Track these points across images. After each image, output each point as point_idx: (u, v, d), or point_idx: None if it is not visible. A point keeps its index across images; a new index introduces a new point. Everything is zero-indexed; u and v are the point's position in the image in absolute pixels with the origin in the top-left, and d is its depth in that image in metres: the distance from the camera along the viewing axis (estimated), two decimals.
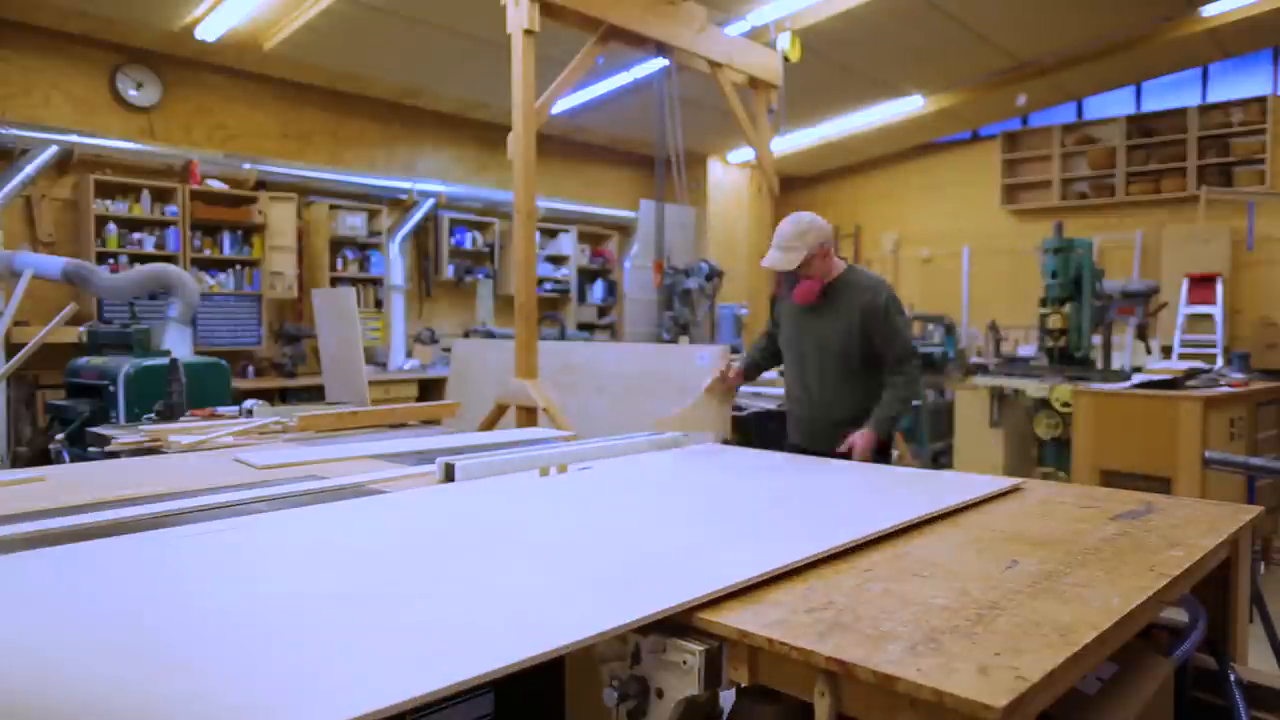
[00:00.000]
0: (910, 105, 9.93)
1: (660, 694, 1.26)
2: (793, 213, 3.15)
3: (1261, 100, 8.84)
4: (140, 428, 3.23)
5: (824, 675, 1.12)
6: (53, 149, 6.34)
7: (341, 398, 5.03)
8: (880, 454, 3.06)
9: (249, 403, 3.71)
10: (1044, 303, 5.78)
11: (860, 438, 2.95)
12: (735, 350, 6.54)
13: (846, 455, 2.91)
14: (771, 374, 4.14)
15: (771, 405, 4.90)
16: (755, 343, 3.56)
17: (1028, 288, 8.77)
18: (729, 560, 1.44)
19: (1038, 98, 9.85)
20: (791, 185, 11.75)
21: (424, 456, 2.56)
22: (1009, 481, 2.19)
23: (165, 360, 4.07)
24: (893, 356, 3.07)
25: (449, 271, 8.86)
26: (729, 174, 11.50)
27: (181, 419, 3.55)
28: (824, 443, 3.08)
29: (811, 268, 3.07)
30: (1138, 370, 5.79)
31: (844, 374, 3.13)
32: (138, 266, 5.67)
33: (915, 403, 3.13)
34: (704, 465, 2.55)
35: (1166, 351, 8.29)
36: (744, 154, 10.90)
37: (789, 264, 3.01)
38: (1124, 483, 4.13)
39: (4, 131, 6.13)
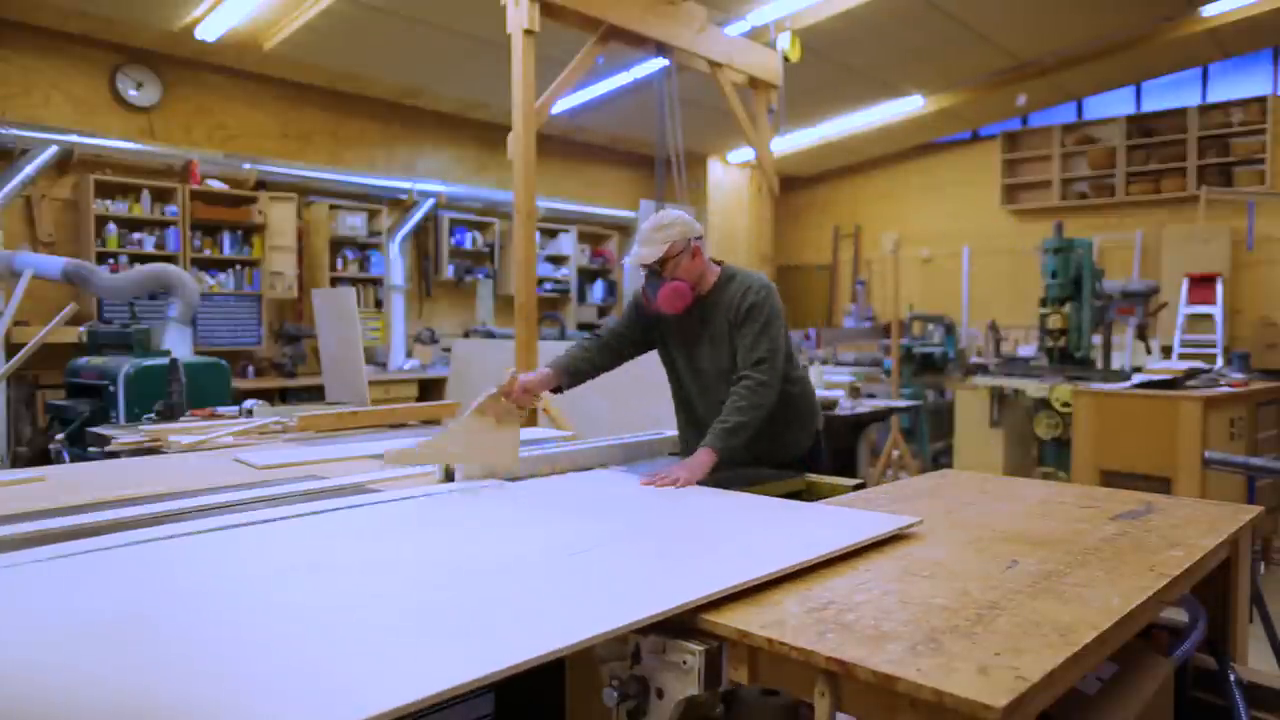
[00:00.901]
0: (910, 105, 9.93)
1: (660, 694, 1.26)
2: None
3: (1261, 100, 8.84)
4: (140, 428, 3.23)
5: (824, 675, 1.12)
6: (53, 149, 6.34)
7: (341, 398, 5.03)
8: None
9: (249, 403, 3.71)
10: (1044, 303, 5.78)
11: (682, 468, 2.31)
12: None
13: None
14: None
15: None
16: (582, 343, 2.85)
17: (1028, 288, 8.78)
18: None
19: (1038, 98, 9.85)
20: (791, 185, 11.76)
21: None
22: (895, 524, 1.74)
23: (165, 360, 4.06)
24: (743, 360, 2.55)
25: (449, 271, 8.86)
26: (729, 174, 11.50)
27: (181, 419, 3.55)
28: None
29: (678, 268, 2.57)
30: (1138, 370, 5.80)
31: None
32: (138, 266, 5.67)
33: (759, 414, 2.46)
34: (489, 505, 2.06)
35: (1166, 351, 8.29)
36: (744, 154, 10.90)
37: (650, 257, 2.55)
38: (1124, 483, 4.13)
39: (4, 131, 6.13)
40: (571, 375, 2.73)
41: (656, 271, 2.58)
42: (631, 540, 1.69)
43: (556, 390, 2.73)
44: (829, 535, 1.63)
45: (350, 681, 0.98)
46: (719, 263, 2.73)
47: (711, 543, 1.67)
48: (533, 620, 1.20)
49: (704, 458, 2.33)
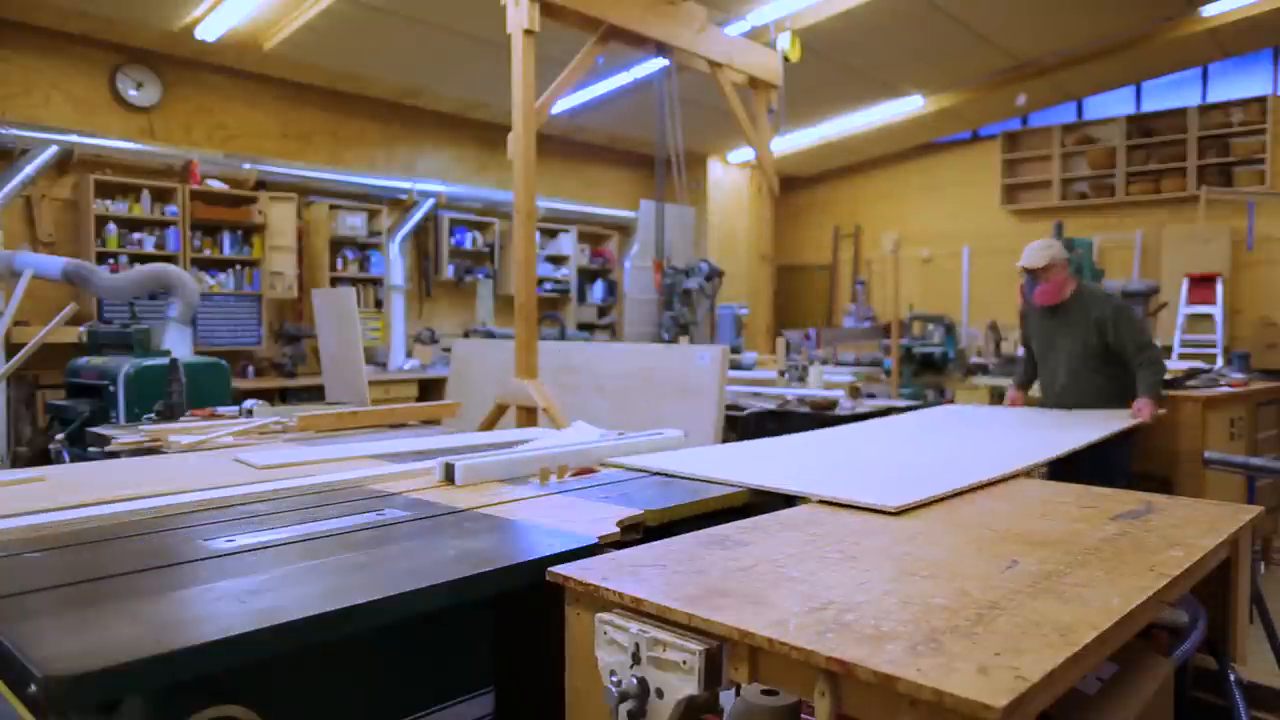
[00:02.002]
0: (910, 105, 9.94)
1: (660, 694, 1.26)
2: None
3: (1261, 100, 8.84)
4: (140, 428, 3.23)
5: (824, 675, 1.12)
6: (53, 149, 6.35)
7: (341, 398, 5.03)
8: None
9: (249, 403, 3.71)
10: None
11: (1146, 410, 3.73)
12: (735, 350, 6.55)
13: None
14: (763, 373, 4.35)
15: (770, 405, 4.90)
16: (1025, 358, 4.48)
17: None
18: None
19: (1038, 98, 9.85)
20: (791, 185, 11.76)
21: (424, 456, 2.56)
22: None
23: (165, 360, 4.07)
24: (1135, 346, 3.92)
25: (449, 271, 8.86)
26: (729, 174, 11.50)
27: (181, 419, 3.55)
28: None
29: (1051, 274, 3.99)
30: None
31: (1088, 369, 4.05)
32: (138, 266, 5.67)
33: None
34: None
35: (1166, 351, 8.29)
36: (744, 154, 10.90)
37: (1036, 262, 3.97)
38: (1124, 483, 4.13)
39: (4, 131, 6.13)
40: (1028, 386, 4.47)
41: (1036, 275, 4.02)
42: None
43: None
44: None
45: None
46: (1076, 278, 4.20)
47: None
48: None
49: (1149, 404, 3.76)
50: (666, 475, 2.36)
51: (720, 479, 2.20)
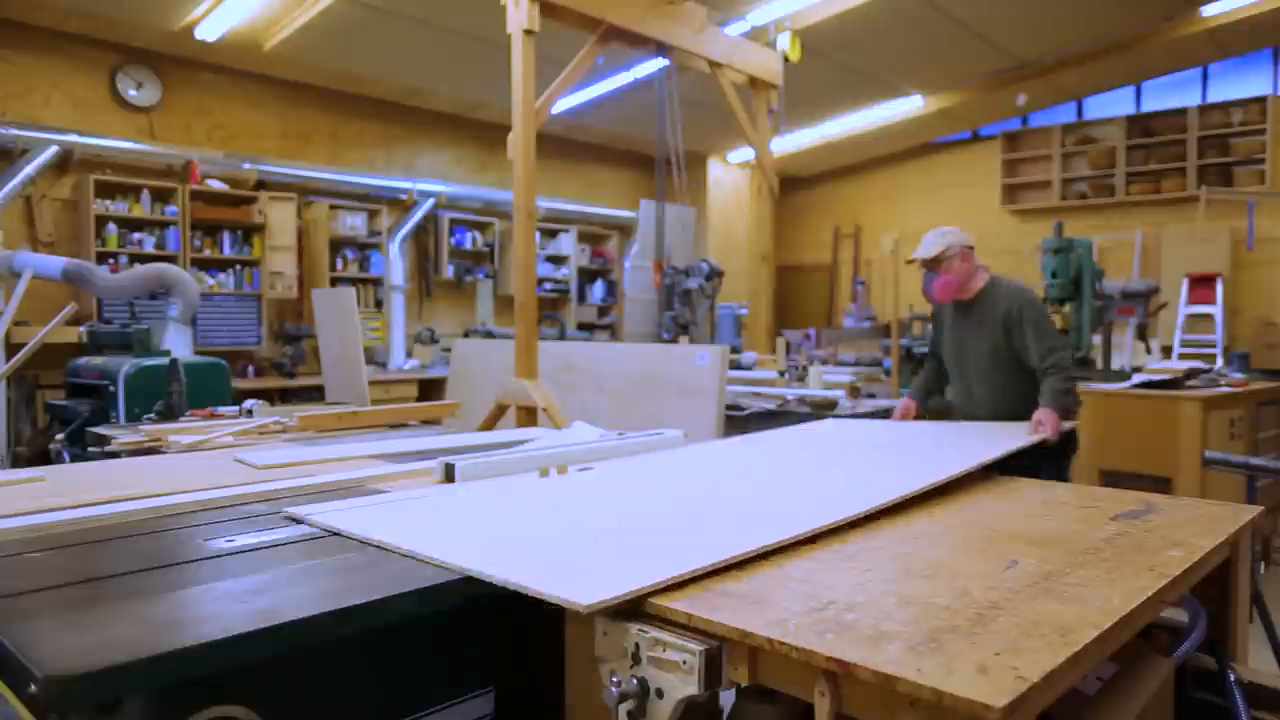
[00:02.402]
0: (910, 105, 9.93)
1: (660, 694, 1.26)
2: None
3: (1261, 100, 8.84)
4: (140, 428, 3.23)
5: (824, 675, 1.12)
6: (53, 149, 6.34)
7: (341, 398, 5.03)
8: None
9: (249, 403, 3.71)
10: (1044, 303, 5.77)
11: (1048, 426, 3.12)
12: (735, 350, 6.55)
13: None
14: (763, 373, 4.28)
15: (770, 405, 4.90)
16: (927, 366, 3.98)
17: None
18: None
19: (1038, 98, 9.84)
20: (791, 185, 11.75)
21: (424, 456, 2.56)
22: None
23: (165, 360, 4.06)
24: (1040, 351, 3.35)
25: (449, 271, 8.86)
26: (729, 174, 11.49)
27: (181, 419, 3.55)
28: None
29: (950, 266, 3.48)
30: (1138, 370, 5.79)
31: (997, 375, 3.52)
32: (138, 266, 5.67)
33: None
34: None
35: (1166, 351, 8.28)
36: (744, 154, 10.90)
37: (926, 253, 3.48)
38: (1124, 483, 4.13)
39: (4, 131, 6.13)
40: (925, 398, 3.88)
41: (933, 268, 3.49)
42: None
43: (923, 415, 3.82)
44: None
45: None
46: (986, 269, 3.58)
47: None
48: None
49: (1050, 415, 3.13)
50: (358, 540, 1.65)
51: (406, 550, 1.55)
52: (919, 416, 3.79)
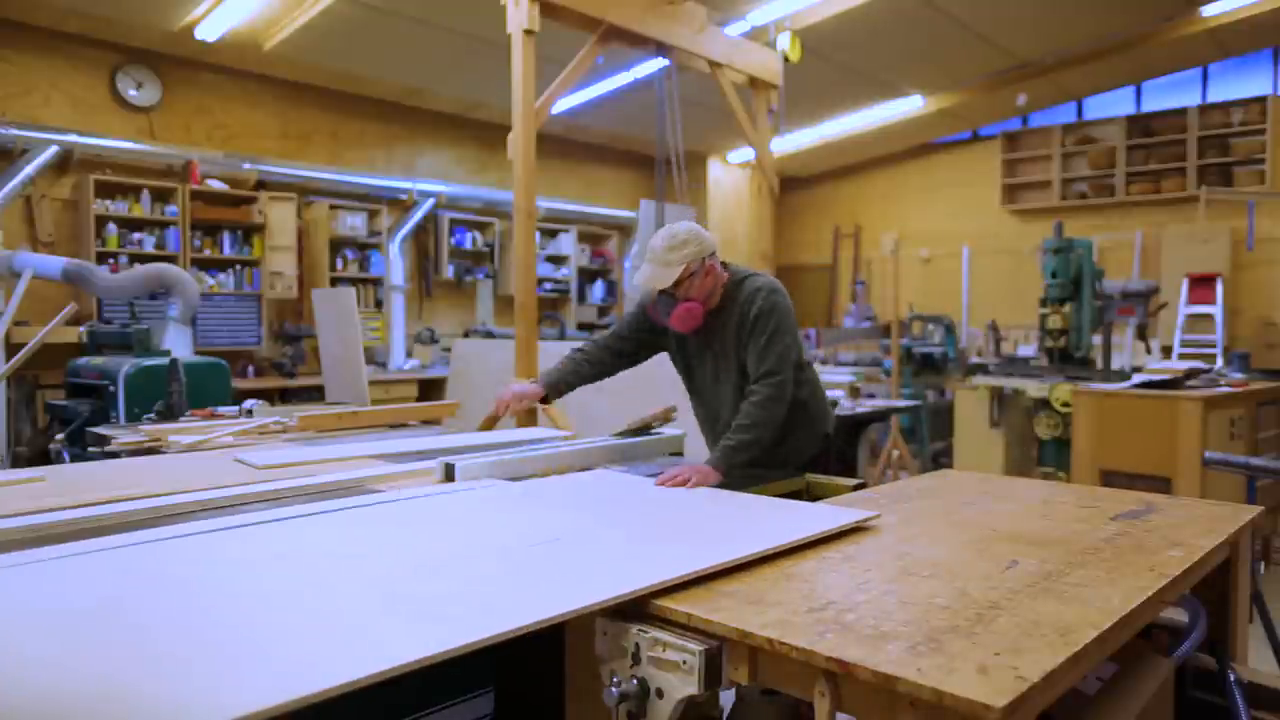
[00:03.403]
0: (910, 105, 9.93)
1: (660, 694, 1.26)
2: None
3: (1261, 100, 8.84)
4: (140, 428, 3.23)
5: (824, 675, 1.12)
6: (53, 149, 6.34)
7: (341, 398, 5.03)
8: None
9: (249, 403, 3.71)
10: (1044, 303, 5.78)
11: (693, 470, 2.23)
12: None
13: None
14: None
15: None
16: (574, 354, 2.88)
17: (1028, 288, 8.78)
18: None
19: (1038, 98, 9.85)
20: (791, 185, 11.76)
21: (424, 456, 2.56)
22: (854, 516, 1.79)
23: (165, 360, 4.06)
24: (753, 371, 2.54)
25: (449, 271, 8.86)
26: (729, 174, 11.50)
27: (181, 419, 3.55)
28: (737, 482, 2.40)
29: (691, 287, 2.53)
30: (1138, 370, 5.80)
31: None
32: (138, 266, 5.67)
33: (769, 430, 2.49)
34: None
35: (1166, 351, 8.29)
36: (744, 154, 10.90)
37: (664, 280, 2.49)
38: (1124, 483, 4.13)
39: (4, 131, 6.13)
40: (558, 391, 2.84)
41: (669, 291, 2.54)
42: (598, 531, 1.74)
43: (544, 400, 2.86)
44: (787, 528, 1.68)
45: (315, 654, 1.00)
46: (725, 265, 2.66)
47: (675, 533, 1.75)
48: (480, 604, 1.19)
49: (710, 472, 2.26)
50: None
51: None
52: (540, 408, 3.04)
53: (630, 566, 1.43)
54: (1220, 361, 7.49)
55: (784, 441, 2.66)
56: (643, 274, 2.54)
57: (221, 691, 0.95)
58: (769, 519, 1.82)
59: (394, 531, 1.74)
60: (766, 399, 2.46)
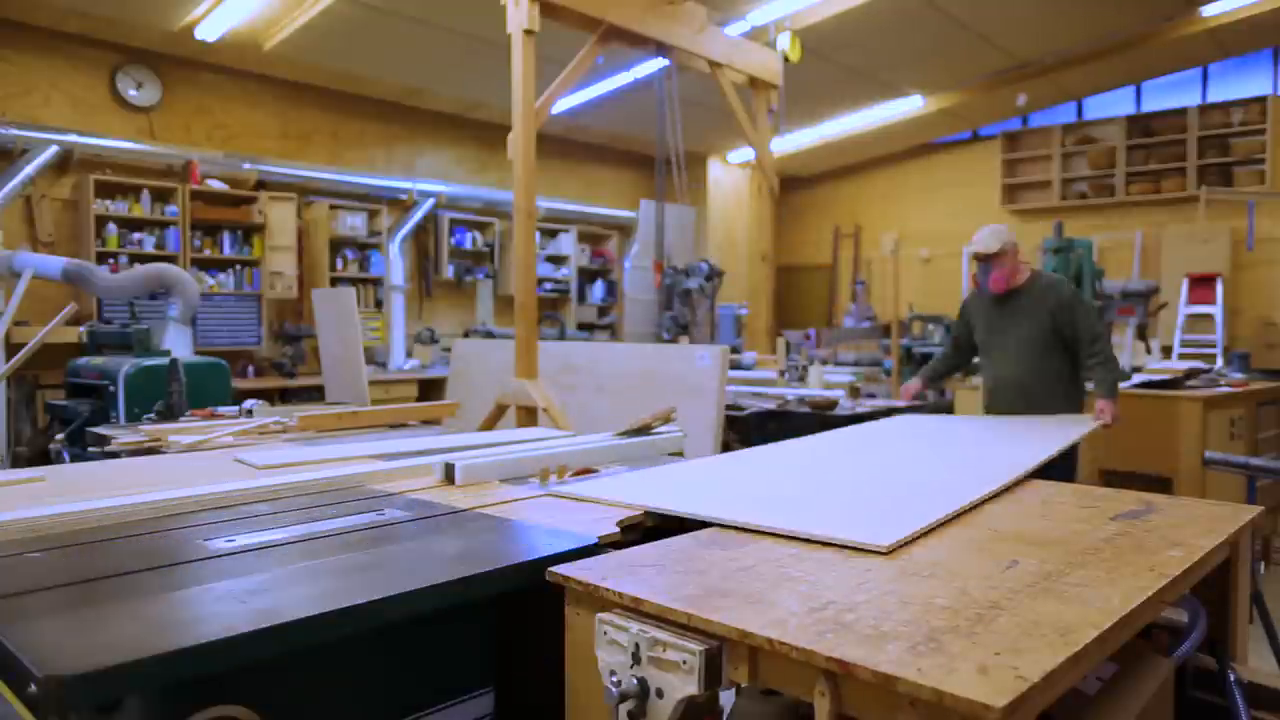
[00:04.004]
0: (910, 105, 9.94)
1: (660, 694, 1.26)
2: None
3: (1261, 100, 8.84)
4: (140, 428, 3.23)
5: (824, 675, 1.12)
6: (53, 149, 6.35)
7: (341, 398, 5.04)
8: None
9: (249, 403, 3.71)
10: None
11: (1108, 414, 3.63)
12: (735, 350, 6.54)
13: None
14: (763, 373, 4.42)
15: (770, 405, 4.90)
16: (939, 354, 4.50)
17: None
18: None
19: (1038, 98, 9.85)
20: (791, 185, 11.76)
21: (424, 456, 2.56)
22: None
23: (165, 360, 4.06)
24: (1088, 336, 3.82)
25: (449, 271, 8.86)
26: (729, 174, 11.50)
27: (181, 419, 3.55)
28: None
29: (1003, 263, 3.88)
30: (1138, 370, 5.79)
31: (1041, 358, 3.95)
32: (138, 266, 5.67)
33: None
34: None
35: (1166, 351, 8.29)
36: (744, 154, 10.90)
37: (989, 246, 3.85)
38: (1124, 483, 4.13)
39: (4, 131, 6.13)
40: (935, 380, 4.52)
41: (988, 261, 3.89)
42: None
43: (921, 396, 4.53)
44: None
45: None
46: (1027, 264, 4.02)
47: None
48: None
49: (1113, 405, 3.65)
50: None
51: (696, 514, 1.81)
52: (920, 395, 4.40)
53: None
54: (1220, 361, 7.49)
55: (1057, 395, 3.90)
56: (978, 241, 3.91)
57: None
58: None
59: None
60: (1112, 356, 3.80)
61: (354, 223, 8.07)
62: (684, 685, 1.23)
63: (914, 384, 4.34)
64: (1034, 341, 3.89)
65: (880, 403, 6.01)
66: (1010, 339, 3.96)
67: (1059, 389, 3.89)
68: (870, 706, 1.10)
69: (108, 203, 6.68)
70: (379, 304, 8.29)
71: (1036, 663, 1.07)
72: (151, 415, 3.61)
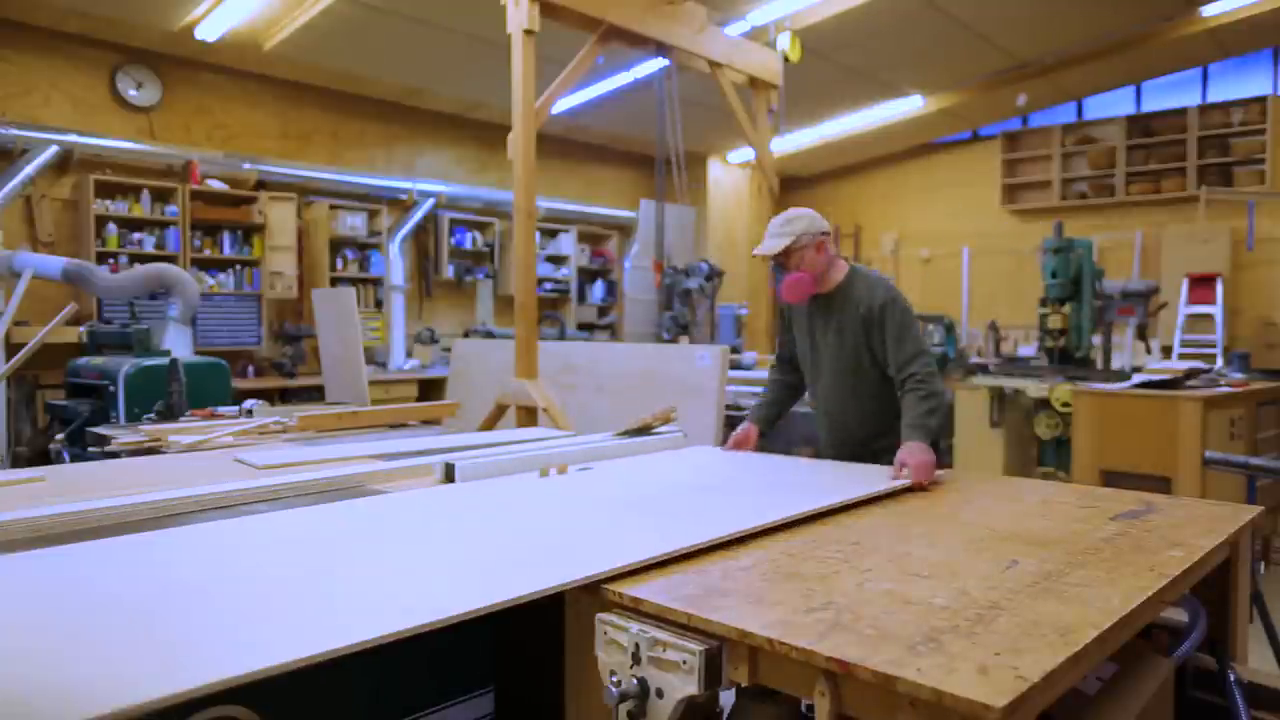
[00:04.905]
0: (910, 105, 9.93)
1: (660, 694, 1.26)
2: None
3: (1261, 100, 8.84)
4: (140, 428, 3.23)
5: (824, 675, 1.12)
6: (53, 149, 6.34)
7: (341, 398, 5.04)
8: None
9: (249, 403, 3.71)
10: (1044, 303, 5.78)
11: (920, 469, 2.37)
12: (735, 350, 6.54)
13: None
14: (763, 373, 3.75)
15: None
16: (770, 385, 3.16)
17: (1028, 288, 8.77)
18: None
19: (1038, 98, 9.85)
20: (791, 185, 11.75)
21: (424, 456, 2.56)
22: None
23: (165, 360, 4.06)
24: (898, 357, 2.76)
25: (449, 271, 8.86)
26: (729, 174, 11.49)
27: (181, 419, 3.55)
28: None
29: (802, 260, 2.81)
30: (1138, 370, 5.79)
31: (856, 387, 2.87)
32: (138, 266, 5.67)
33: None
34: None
35: (1166, 351, 8.29)
36: (744, 154, 10.90)
37: (772, 249, 2.80)
38: (1124, 483, 4.12)
39: (4, 131, 6.13)
40: (769, 425, 3.05)
41: (782, 264, 2.83)
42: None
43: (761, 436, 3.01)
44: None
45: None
46: (846, 259, 2.94)
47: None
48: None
49: (922, 454, 2.41)
50: None
51: None
52: (759, 447, 3.01)
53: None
54: (1220, 361, 7.49)
55: (886, 434, 2.78)
56: (761, 246, 2.84)
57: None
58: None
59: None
60: (926, 374, 2.69)
61: (354, 223, 8.07)
62: (684, 685, 1.23)
63: (744, 433, 2.96)
64: (845, 362, 2.87)
65: None
66: (824, 358, 2.94)
67: (883, 425, 2.82)
68: (870, 706, 1.10)
69: (108, 203, 6.68)
70: (379, 304, 8.28)
71: (1036, 663, 1.08)
72: (151, 415, 3.61)
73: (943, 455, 2.87)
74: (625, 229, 10.30)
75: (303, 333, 7.48)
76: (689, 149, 5.77)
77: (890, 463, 2.47)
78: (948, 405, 2.55)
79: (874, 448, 2.81)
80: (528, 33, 4.24)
